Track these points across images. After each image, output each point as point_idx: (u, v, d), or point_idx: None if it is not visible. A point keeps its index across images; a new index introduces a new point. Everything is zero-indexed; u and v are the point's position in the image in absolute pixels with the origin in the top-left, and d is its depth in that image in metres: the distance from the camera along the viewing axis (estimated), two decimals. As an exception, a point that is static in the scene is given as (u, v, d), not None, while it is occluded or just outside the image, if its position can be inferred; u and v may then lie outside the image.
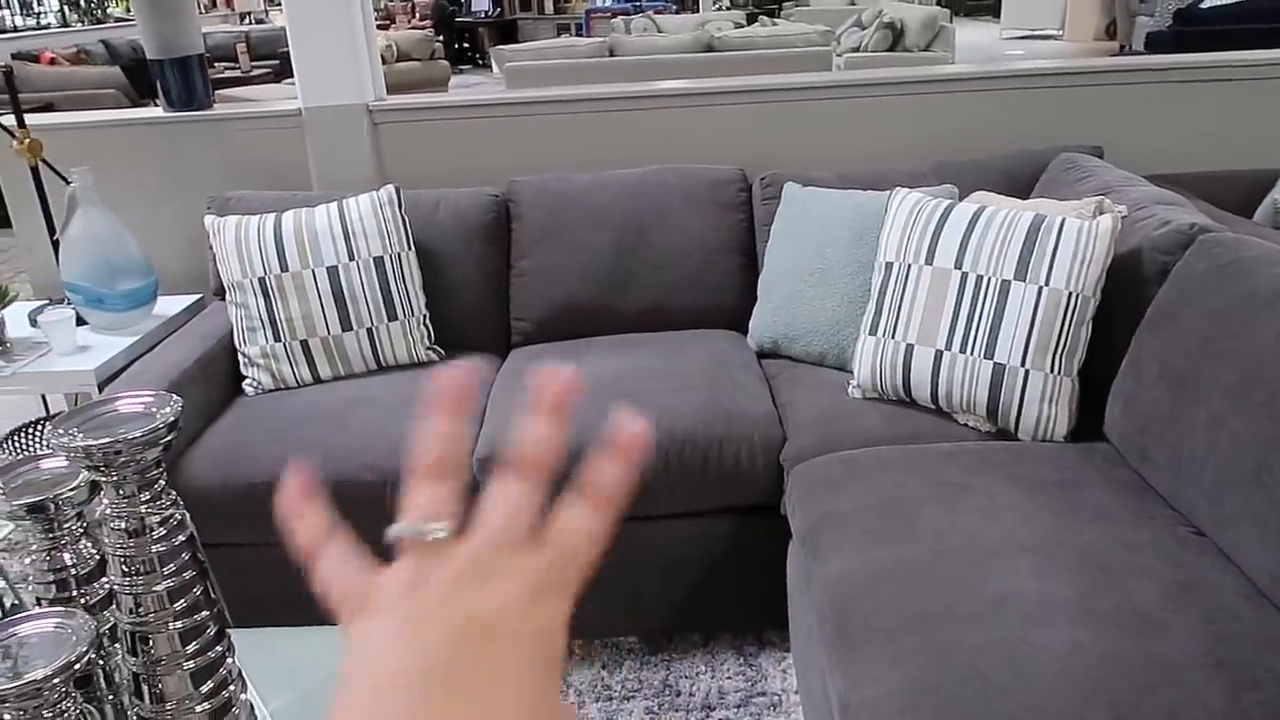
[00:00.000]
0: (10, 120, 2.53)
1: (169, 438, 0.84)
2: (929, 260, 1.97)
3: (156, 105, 3.02)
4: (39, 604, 0.94)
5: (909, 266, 2.00)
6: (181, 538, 0.87)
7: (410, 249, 2.37)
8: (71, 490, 0.93)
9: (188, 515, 0.89)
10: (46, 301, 2.68)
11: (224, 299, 2.40)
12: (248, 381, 2.30)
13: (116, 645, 0.91)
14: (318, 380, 2.30)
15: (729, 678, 2.03)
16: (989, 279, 1.89)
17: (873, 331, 2.05)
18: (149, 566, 0.85)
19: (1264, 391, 1.45)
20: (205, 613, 0.89)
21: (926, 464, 1.78)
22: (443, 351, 2.40)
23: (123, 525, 0.84)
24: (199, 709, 0.89)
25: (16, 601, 1.01)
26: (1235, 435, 1.46)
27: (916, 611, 1.39)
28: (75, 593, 0.95)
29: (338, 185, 2.78)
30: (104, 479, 0.83)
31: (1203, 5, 6.76)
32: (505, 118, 2.89)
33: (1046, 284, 1.84)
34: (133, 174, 2.93)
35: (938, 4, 9.47)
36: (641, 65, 5.50)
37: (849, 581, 1.50)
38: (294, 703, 1.14)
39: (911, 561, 1.50)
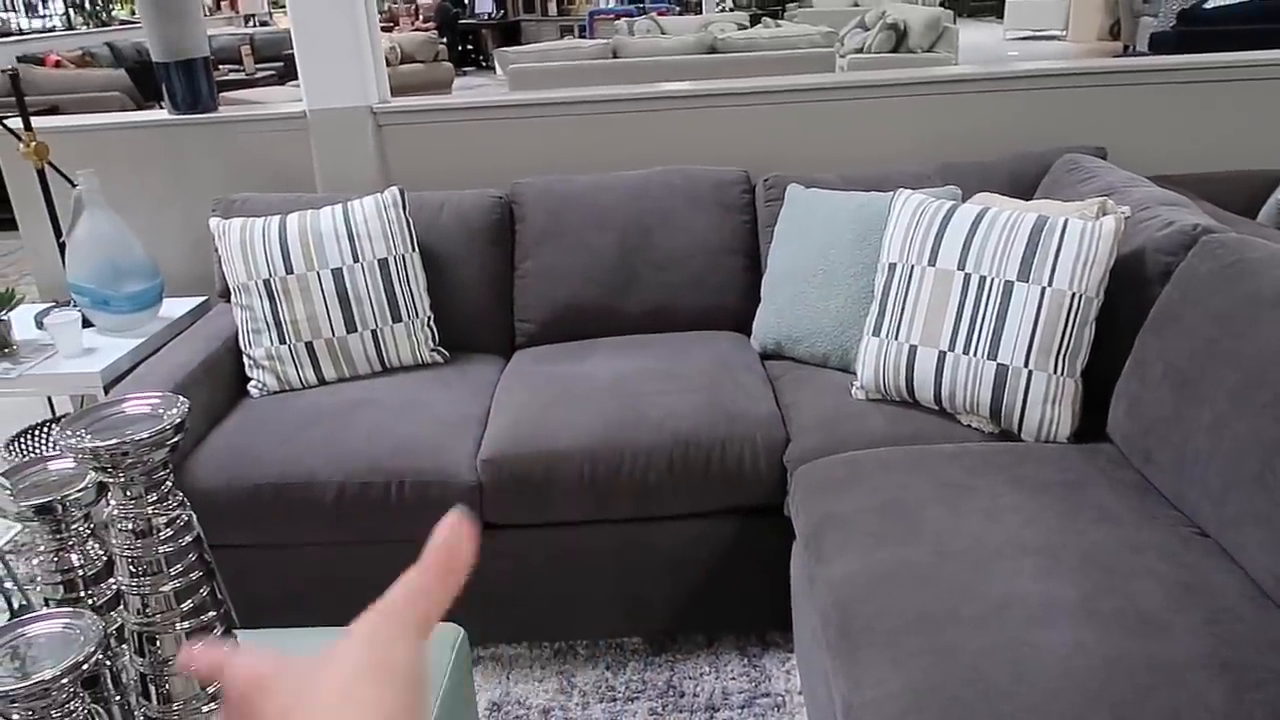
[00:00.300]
0: (16, 123, 2.54)
1: (176, 439, 0.84)
2: (932, 261, 1.98)
3: (161, 108, 3.03)
4: (47, 604, 0.95)
5: (912, 268, 2.00)
6: (188, 539, 0.87)
7: (414, 251, 2.38)
8: (79, 491, 0.93)
9: (194, 516, 0.89)
10: (52, 304, 2.69)
11: (229, 301, 2.40)
12: (253, 383, 2.30)
13: (124, 646, 0.91)
14: (322, 382, 2.31)
15: (733, 679, 2.03)
16: (992, 280, 1.90)
17: (876, 333, 2.05)
18: (156, 567, 0.85)
19: (1268, 393, 1.45)
20: (212, 613, 0.89)
21: (929, 465, 1.78)
22: (447, 353, 2.41)
23: (130, 526, 0.85)
24: (205, 709, 0.89)
25: (25, 602, 1.02)
26: (1239, 436, 1.46)
27: (919, 613, 1.40)
28: (83, 593, 0.95)
29: (342, 187, 2.79)
30: (111, 480, 0.83)
31: (1207, 6, 6.75)
32: (509, 119, 2.89)
33: (1050, 285, 1.84)
34: (138, 176, 2.94)
35: (941, 5, 9.48)
36: (645, 67, 5.52)
37: (852, 583, 1.50)
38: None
39: (915, 563, 1.50)
